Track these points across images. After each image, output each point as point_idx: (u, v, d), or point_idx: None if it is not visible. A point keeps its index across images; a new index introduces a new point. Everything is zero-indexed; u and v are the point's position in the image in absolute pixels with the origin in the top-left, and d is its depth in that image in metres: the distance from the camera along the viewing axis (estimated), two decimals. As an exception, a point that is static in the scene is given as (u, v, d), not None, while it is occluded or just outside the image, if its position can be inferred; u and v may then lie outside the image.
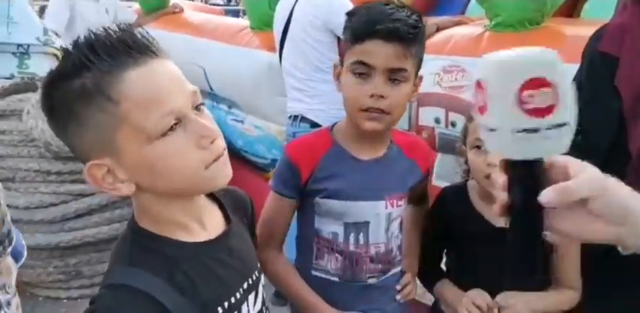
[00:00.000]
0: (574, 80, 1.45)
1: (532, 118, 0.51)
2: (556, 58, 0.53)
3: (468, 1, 3.08)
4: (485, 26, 2.02)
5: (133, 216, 0.81)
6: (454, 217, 1.27)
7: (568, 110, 0.52)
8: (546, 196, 0.55)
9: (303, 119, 2.22)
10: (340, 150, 1.18)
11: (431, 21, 2.15)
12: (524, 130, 0.51)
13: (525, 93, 0.50)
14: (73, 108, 0.68)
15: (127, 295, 0.72)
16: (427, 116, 2.02)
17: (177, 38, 3.17)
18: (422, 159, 1.27)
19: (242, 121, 3.03)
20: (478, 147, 1.20)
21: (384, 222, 1.21)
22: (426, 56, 2.01)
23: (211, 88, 3.04)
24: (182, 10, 3.48)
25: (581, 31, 1.89)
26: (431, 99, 1.99)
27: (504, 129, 0.52)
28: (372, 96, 1.07)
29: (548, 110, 0.51)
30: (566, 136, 0.54)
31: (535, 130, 0.51)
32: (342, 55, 1.16)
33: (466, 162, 1.28)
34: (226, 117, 3.07)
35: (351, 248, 1.20)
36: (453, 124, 1.95)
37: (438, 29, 2.11)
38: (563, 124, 0.52)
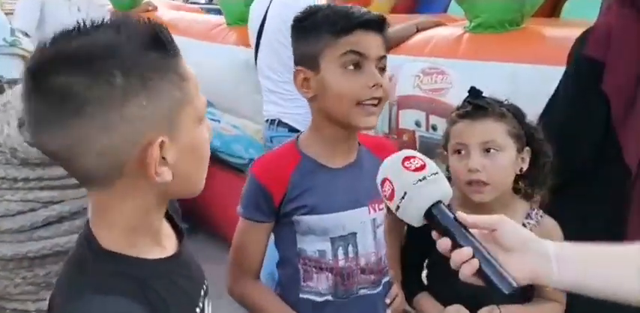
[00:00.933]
0: (560, 84, 1.42)
1: (417, 173, 0.78)
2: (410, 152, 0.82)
3: (449, 0, 3.06)
4: (464, 28, 1.98)
5: (87, 233, 0.70)
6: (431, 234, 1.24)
7: (433, 166, 0.79)
8: (461, 215, 0.76)
9: (281, 123, 2.15)
10: (310, 161, 1.13)
11: (410, 22, 2.11)
12: (419, 180, 0.77)
13: (405, 163, 0.79)
14: (151, 78, 0.64)
15: None
16: (407, 119, 1.98)
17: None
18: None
19: (219, 121, 2.97)
20: (459, 151, 1.17)
21: (371, 229, 1.16)
22: (405, 58, 2.02)
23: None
24: (156, 8, 3.40)
25: (561, 32, 1.87)
26: (411, 102, 1.96)
27: (409, 187, 0.77)
28: (373, 86, 1.04)
29: (422, 167, 0.78)
30: (444, 180, 0.79)
31: (423, 178, 0.77)
32: (303, 58, 1.10)
33: (447, 169, 1.25)
34: (202, 117, 2.99)
35: (341, 263, 1.14)
36: (434, 128, 1.91)
37: (418, 30, 2.07)
38: (437, 173, 0.79)
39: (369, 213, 1.15)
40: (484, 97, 1.22)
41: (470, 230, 0.74)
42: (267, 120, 2.22)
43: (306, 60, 1.08)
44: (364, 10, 1.07)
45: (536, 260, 0.73)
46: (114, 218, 0.70)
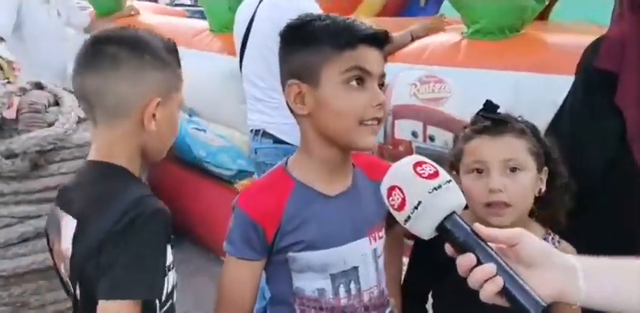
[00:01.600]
0: (569, 95, 1.35)
1: (431, 180, 0.71)
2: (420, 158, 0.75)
3: (440, 2, 3.00)
4: (462, 33, 1.91)
5: (96, 161, 1.00)
6: (442, 257, 1.14)
7: (445, 173, 0.73)
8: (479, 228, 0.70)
9: (265, 134, 2.00)
10: (305, 188, 1.02)
11: (406, 29, 2.04)
12: (434, 188, 0.70)
13: (417, 169, 0.72)
14: (167, 64, 1.00)
15: None
16: (404, 129, 1.90)
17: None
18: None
19: (204, 130, 2.86)
20: (477, 170, 1.07)
21: (372, 261, 1.06)
22: (401, 65, 1.94)
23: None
24: (138, 13, 3.29)
25: (563, 38, 1.81)
26: (407, 112, 1.87)
27: (423, 196, 0.70)
28: (377, 105, 0.96)
29: (436, 174, 0.72)
30: (457, 189, 0.73)
31: (439, 186, 0.70)
32: (298, 70, 0.99)
33: None
34: (187, 126, 2.89)
35: (343, 302, 1.04)
36: (432, 138, 1.83)
37: (413, 39, 1.99)
38: (450, 180, 0.72)
39: (370, 243, 1.06)
40: (499, 112, 1.13)
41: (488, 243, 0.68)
42: (252, 131, 2.10)
43: (302, 73, 0.98)
44: (367, 23, 0.99)
45: (561, 277, 0.67)
46: (116, 151, 0.97)
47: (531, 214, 1.13)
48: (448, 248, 0.70)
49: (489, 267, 0.65)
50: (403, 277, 1.25)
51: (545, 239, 1.13)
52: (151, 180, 2.76)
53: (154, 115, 0.96)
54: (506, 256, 0.68)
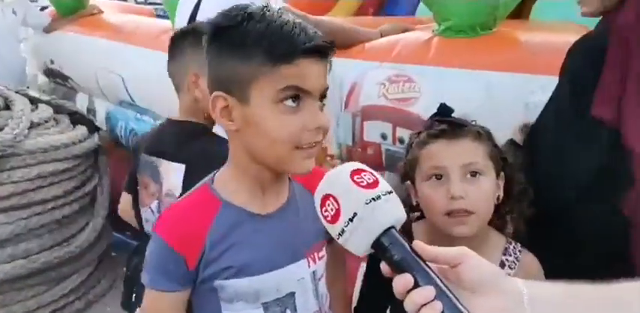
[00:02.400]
0: (554, 96, 1.26)
1: (370, 190, 0.63)
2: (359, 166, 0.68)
3: (417, 2, 2.93)
4: (433, 31, 1.83)
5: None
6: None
7: (385, 183, 0.66)
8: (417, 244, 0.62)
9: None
10: (233, 209, 0.91)
11: (376, 29, 1.96)
12: (372, 199, 0.63)
13: (355, 177, 0.64)
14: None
15: None
16: (372, 131, 1.81)
17: (91, 43, 2.84)
18: None
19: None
20: (437, 176, 1.00)
21: (311, 285, 0.96)
22: (369, 64, 1.84)
23: (132, 99, 2.73)
24: (101, 12, 3.15)
25: (537, 36, 1.74)
26: (376, 113, 1.79)
27: (359, 207, 0.63)
28: (316, 129, 0.84)
29: (375, 183, 0.64)
30: (398, 201, 0.65)
31: (378, 197, 0.63)
32: (225, 82, 0.86)
33: (408, 196, 1.08)
34: (153, 130, 2.77)
35: None
36: (401, 140, 1.74)
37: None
38: (391, 191, 0.65)
39: (309, 265, 0.96)
40: (453, 116, 1.08)
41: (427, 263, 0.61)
42: None
43: (229, 85, 0.85)
44: (309, 30, 0.84)
45: (505, 304, 0.59)
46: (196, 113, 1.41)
47: (489, 223, 1.06)
48: (384, 268, 0.62)
49: (428, 291, 0.57)
50: (359, 291, 1.16)
51: (506, 248, 1.07)
52: (122, 185, 2.68)
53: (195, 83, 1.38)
54: (448, 278, 0.61)
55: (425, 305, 0.57)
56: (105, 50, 2.75)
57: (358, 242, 0.63)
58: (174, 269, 0.89)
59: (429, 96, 1.68)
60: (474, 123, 1.09)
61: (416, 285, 0.58)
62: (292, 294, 0.94)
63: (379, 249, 0.62)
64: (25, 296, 2.13)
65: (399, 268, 0.61)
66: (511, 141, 1.31)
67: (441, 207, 0.99)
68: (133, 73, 2.63)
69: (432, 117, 1.10)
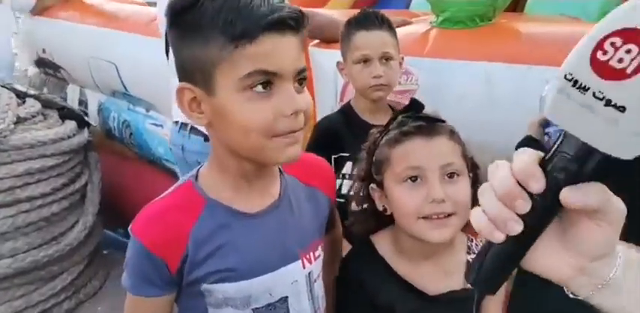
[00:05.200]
0: None
1: None
2: None
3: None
4: (431, 23, 1.78)
5: None
6: (368, 290, 0.96)
7: None
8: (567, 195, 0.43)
9: (194, 130, 1.65)
10: (218, 207, 0.84)
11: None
12: None
13: None
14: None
15: None
16: (370, 125, 1.77)
17: (82, 30, 2.77)
18: (324, 182, 0.97)
19: (162, 126, 2.69)
20: (412, 178, 0.92)
21: (306, 288, 0.91)
22: (366, 57, 1.81)
23: (125, 88, 2.67)
24: None
25: (536, 27, 1.70)
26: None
27: None
28: (292, 114, 0.75)
29: None
30: None
31: None
32: (188, 71, 0.78)
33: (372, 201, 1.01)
34: (145, 121, 2.71)
35: None
36: (399, 135, 1.70)
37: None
38: None
39: (303, 266, 0.89)
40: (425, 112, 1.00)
41: None
42: (177, 122, 1.73)
43: (192, 75, 0.76)
44: (274, 1, 0.73)
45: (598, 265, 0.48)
46: None
47: None
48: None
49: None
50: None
51: (469, 247, 1.01)
52: (114, 179, 2.63)
53: None
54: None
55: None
56: (98, 37, 2.68)
57: None
58: (154, 273, 0.82)
59: (427, 89, 1.64)
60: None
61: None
62: (285, 299, 0.88)
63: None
64: (12, 296, 2.07)
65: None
66: (530, 138, 1.22)
67: (417, 212, 0.90)
68: (127, 61, 2.56)
69: (400, 112, 1.00)
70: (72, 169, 2.27)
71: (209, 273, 0.83)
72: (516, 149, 1.22)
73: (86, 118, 2.64)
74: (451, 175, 0.92)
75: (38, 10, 3.02)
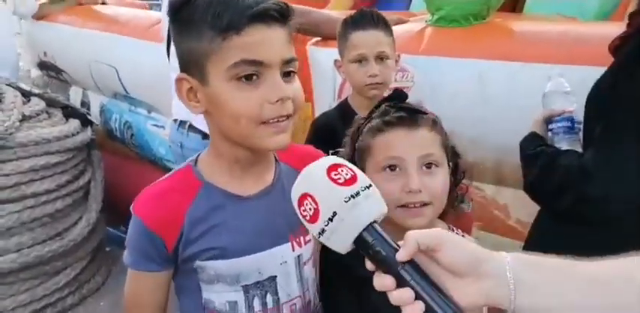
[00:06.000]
0: (601, 81, 1.12)
1: (348, 187, 0.62)
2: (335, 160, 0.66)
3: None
4: (426, 21, 1.82)
5: None
6: (346, 264, 0.97)
7: (364, 177, 0.64)
8: (399, 253, 0.59)
9: (192, 128, 1.71)
10: (214, 190, 0.89)
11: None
12: (351, 196, 0.61)
13: (332, 174, 0.62)
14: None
15: None
16: (366, 122, 1.80)
17: (84, 34, 2.82)
18: None
19: (163, 127, 2.73)
20: (391, 167, 0.95)
21: (295, 269, 0.95)
22: (363, 54, 1.84)
23: (126, 90, 2.71)
24: (96, 3, 3.11)
25: (529, 26, 1.74)
26: (369, 104, 1.78)
27: (338, 206, 0.61)
28: (277, 101, 0.79)
29: (353, 179, 0.63)
30: (378, 194, 0.64)
31: (357, 194, 0.61)
32: (185, 63, 0.84)
33: None
34: (146, 122, 2.76)
35: None
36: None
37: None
38: (370, 185, 0.63)
39: (292, 249, 0.93)
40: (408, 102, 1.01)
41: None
42: (176, 120, 1.78)
43: (189, 66, 0.82)
44: None
45: (489, 286, 0.58)
46: None
47: None
48: (369, 265, 0.61)
49: (408, 293, 0.57)
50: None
51: None
52: (116, 178, 2.66)
53: None
54: (429, 262, 0.60)
55: (408, 304, 0.57)
56: (98, 41, 2.73)
57: (340, 241, 0.61)
58: (153, 250, 0.88)
59: (422, 86, 1.68)
60: (422, 108, 1.02)
61: (399, 282, 0.58)
62: (274, 278, 0.92)
63: (362, 246, 0.61)
64: (17, 291, 2.11)
65: (383, 264, 0.59)
66: (534, 134, 1.25)
67: (396, 200, 0.93)
68: (127, 65, 2.61)
69: (383, 101, 1.02)
70: (75, 166, 2.32)
71: (202, 250, 0.88)
72: (521, 145, 1.25)
73: (90, 117, 2.68)
74: (429, 165, 0.95)
75: (38, 17, 3.07)
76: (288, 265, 0.93)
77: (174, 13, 0.82)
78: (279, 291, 0.93)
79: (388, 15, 2.07)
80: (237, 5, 0.76)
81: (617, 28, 1.15)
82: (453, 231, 1.06)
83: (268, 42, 0.78)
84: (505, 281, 0.57)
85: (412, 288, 0.57)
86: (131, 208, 0.89)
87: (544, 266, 0.60)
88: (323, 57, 1.89)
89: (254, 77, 0.79)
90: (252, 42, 0.77)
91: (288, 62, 0.81)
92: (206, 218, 0.88)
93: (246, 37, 0.76)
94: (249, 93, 0.79)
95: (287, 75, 0.82)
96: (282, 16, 0.79)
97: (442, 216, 1.03)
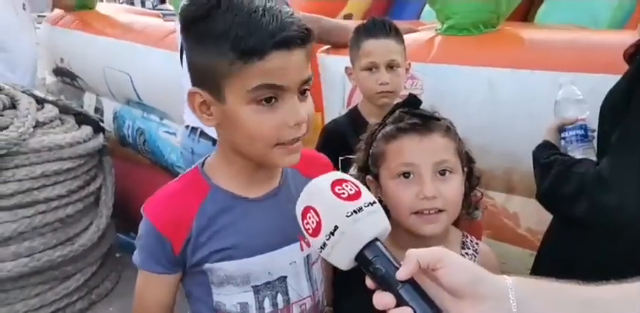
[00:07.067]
0: (616, 89, 1.12)
1: (351, 202, 0.62)
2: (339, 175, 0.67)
3: (423, 6, 2.94)
4: (436, 30, 1.83)
5: None
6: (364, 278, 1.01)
7: (368, 193, 0.64)
8: (400, 272, 0.58)
9: (204, 134, 1.73)
10: (221, 193, 0.90)
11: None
12: (354, 211, 0.61)
13: (336, 188, 0.63)
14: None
15: None
16: (376, 129, 1.81)
17: (98, 41, 2.87)
18: (321, 173, 1.03)
19: (175, 134, 2.76)
20: (405, 174, 0.96)
21: (304, 269, 0.95)
22: (374, 63, 1.85)
23: (139, 97, 2.74)
24: None
25: (539, 34, 1.75)
26: (379, 111, 1.78)
27: (340, 220, 0.61)
28: (296, 125, 0.80)
29: (357, 194, 0.63)
30: (381, 212, 0.64)
31: (360, 209, 0.62)
32: (201, 78, 0.82)
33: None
34: (158, 129, 2.78)
35: None
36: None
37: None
38: (374, 202, 0.64)
39: (302, 249, 0.93)
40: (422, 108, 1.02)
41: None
42: (187, 127, 1.81)
43: (203, 81, 0.81)
44: (281, 17, 0.75)
45: (489, 308, 0.57)
46: None
47: None
48: (369, 282, 0.61)
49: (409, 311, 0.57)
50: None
51: (464, 242, 1.04)
52: (127, 185, 2.69)
53: None
54: (430, 281, 0.60)
55: None
56: (113, 49, 2.78)
57: (341, 256, 0.62)
58: (161, 252, 0.88)
59: (432, 93, 1.68)
60: (437, 114, 1.03)
61: (399, 301, 0.57)
62: (284, 278, 0.93)
63: (363, 262, 0.61)
64: (27, 295, 2.13)
65: (383, 282, 0.59)
66: (547, 143, 1.24)
67: (410, 207, 0.93)
68: (141, 72, 2.65)
69: (397, 107, 1.02)
70: (87, 172, 2.34)
71: (211, 253, 0.89)
72: (534, 154, 1.24)
73: (101, 124, 2.71)
74: (443, 172, 0.95)
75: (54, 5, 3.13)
76: (297, 265, 0.94)
77: (189, 25, 0.81)
78: (289, 291, 0.93)
79: (400, 24, 2.10)
80: (261, 30, 0.74)
81: (627, 36, 1.16)
82: (467, 238, 1.06)
83: (290, 67, 0.77)
84: (504, 303, 0.57)
85: (412, 308, 0.57)
86: (142, 209, 0.90)
87: (546, 290, 0.59)
88: (333, 64, 1.90)
89: (273, 100, 0.79)
90: (274, 68, 0.76)
91: (305, 82, 0.82)
92: (214, 220, 0.89)
93: (269, 62, 0.75)
94: (267, 116, 0.79)
95: (303, 92, 0.82)
96: (303, 41, 0.78)
97: (456, 223, 1.03)
